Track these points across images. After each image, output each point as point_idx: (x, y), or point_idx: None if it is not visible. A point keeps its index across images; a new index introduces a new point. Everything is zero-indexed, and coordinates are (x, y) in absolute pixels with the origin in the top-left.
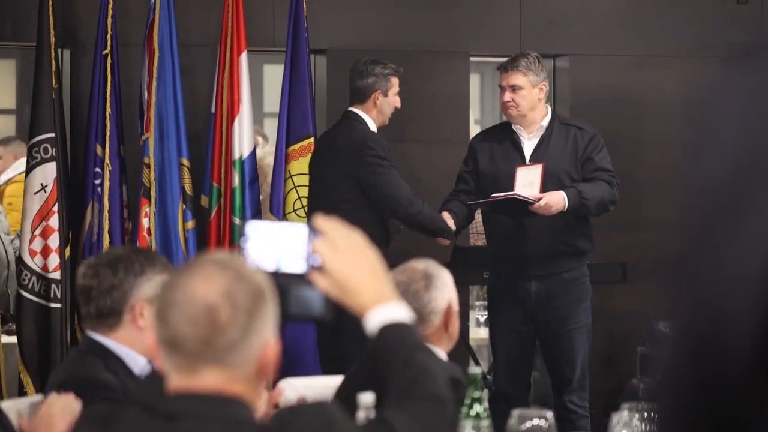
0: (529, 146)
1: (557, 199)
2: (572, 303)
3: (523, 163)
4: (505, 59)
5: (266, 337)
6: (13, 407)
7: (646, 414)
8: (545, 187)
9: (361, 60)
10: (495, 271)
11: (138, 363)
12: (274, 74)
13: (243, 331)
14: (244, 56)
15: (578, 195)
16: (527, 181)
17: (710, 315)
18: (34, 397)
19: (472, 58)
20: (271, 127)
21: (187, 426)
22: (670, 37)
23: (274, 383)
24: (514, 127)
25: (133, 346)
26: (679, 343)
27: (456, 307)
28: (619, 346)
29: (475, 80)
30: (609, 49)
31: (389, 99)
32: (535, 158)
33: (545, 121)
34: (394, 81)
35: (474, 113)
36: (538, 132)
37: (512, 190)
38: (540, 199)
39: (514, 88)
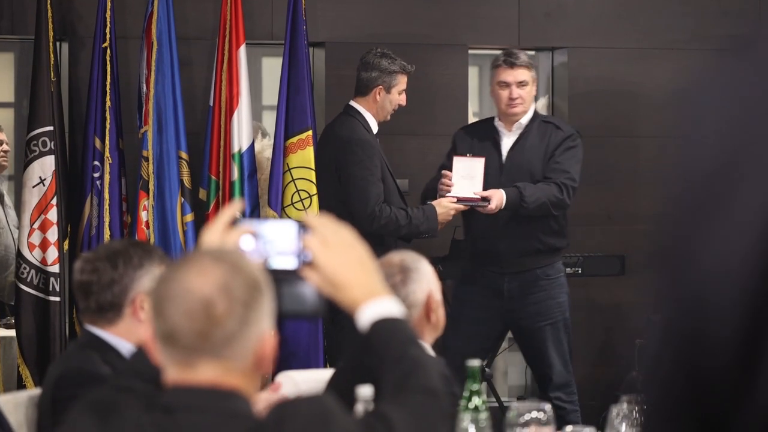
0: (507, 143)
1: (498, 198)
2: (545, 299)
3: (499, 159)
4: (502, 54)
5: (263, 329)
6: (12, 401)
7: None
8: (514, 184)
9: (372, 50)
10: (471, 265)
11: None
12: (272, 67)
13: (240, 323)
14: (242, 49)
15: (518, 196)
16: (466, 173)
17: (694, 307)
18: (32, 391)
19: (470, 51)
20: (269, 120)
21: (186, 418)
22: (667, 29)
23: (273, 375)
24: (495, 123)
25: (131, 340)
26: (664, 335)
27: (437, 296)
28: (618, 338)
29: (473, 73)
30: (606, 41)
31: (391, 96)
32: (512, 155)
33: (525, 119)
34: (401, 78)
35: (472, 106)
36: (517, 129)
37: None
38: (484, 198)
39: (521, 84)
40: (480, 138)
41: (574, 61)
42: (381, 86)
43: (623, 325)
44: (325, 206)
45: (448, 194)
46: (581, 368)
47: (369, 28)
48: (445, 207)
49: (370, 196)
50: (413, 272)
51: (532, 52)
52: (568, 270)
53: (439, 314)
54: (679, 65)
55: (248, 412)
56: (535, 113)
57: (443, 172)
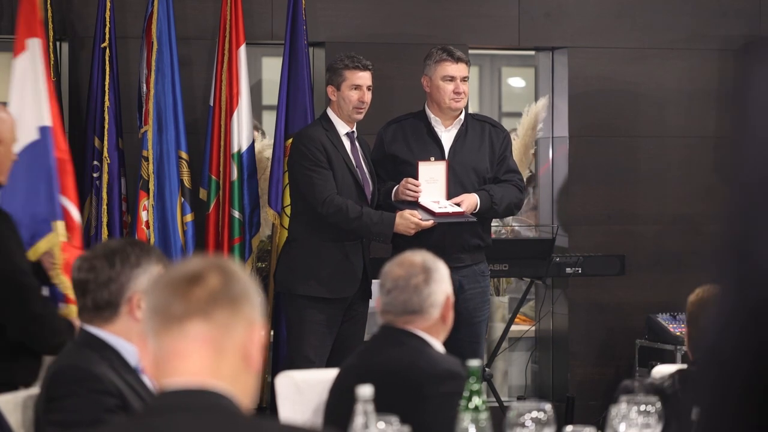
0: (447, 138)
1: (472, 203)
2: (480, 294)
3: (441, 154)
4: (442, 50)
5: (253, 316)
6: (12, 401)
7: (643, 407)
8: (460, 182)
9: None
10: None
11: (133, 354)
12: (272, 67)
13: (231, 294)
14: (242, 49)
15: (489, 200)
16: (429, 177)
17: (761, 292)
18: (32, 390)
19: (470, 51)
20: (269, 120)
21: (175, 419)
22: (667, 29)
23: (273, 375)
24: (431, 119)
25: (129, 338)
26: (729, 319)
27: (453, 298)
28: (618, 338)
29: (473, 72)
30: (606, 41)
31: (343, 93)
32: (454, 152)
33: (463, 115)
34: (348, 74)
35: (472, 106)
36: (456, 125)
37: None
38: (459, 204)
39: (464, 79)
40: (414, 133)
41: (574, 61)
42: (331, 86)
43: (623, 325)
44: (291, 198)
45: (421, 201)
46: (581, 368)
47: (369, 28)
48: (406, 219)
49: (315, 182)
50: (434, 272)
51: (532, 52)
52: (568, 270)
53: (452, 316)
54: (679, 65)
55: (238, 411)
56: (464, 109)
57: (407, 179)
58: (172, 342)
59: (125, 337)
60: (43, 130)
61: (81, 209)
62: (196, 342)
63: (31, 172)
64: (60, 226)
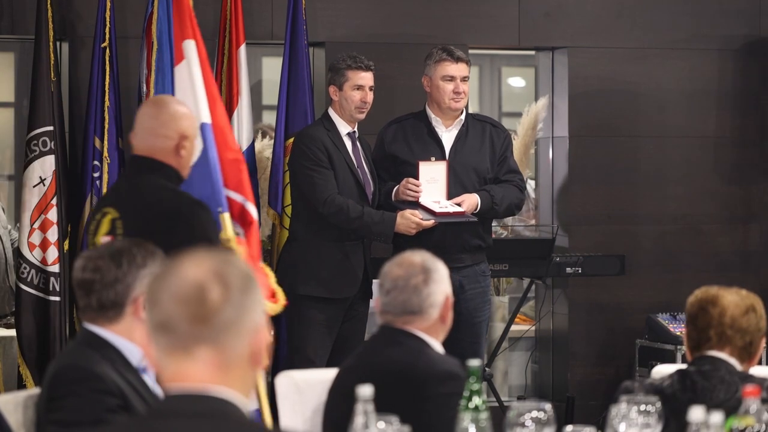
0: (447, 138)
1: (472, 203)
2: (480, 294)
3: (442, 154)
4: (442, 50)
5: (257, 320)
6: (12, 401)
7: (643, 407)
8: (460, 182)
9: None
10: None
11: (135, 355)
12: (272, 67)
13: (234, 308)
14: (242, 49)
15: (490, 200)
16: (430, 177)
17: None
18: (32, 391)
19: (470, 51)
20: (269, 120)
21: (176, 424)
22: (667, 29)
23: (273, 375)
24: (431, 119)
25: (131, 338)
26: None
27: (452, 298)
28: (618, 338)
29: (473, 72)
30: (606, 41)
31: (345, 93)
32: (454, 152)
33: (463, 115)
34: (351, 74)
35: (472, 106)
36: (456, 125)
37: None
38: (460, 204)
39: (464, 79)
40: (415, 133)
41: (574, 61)
42: (333, 85)
43: (623, 325)
44: (292, 198)
45: (422, 201)
46: (581, 368)
47: (369, 28)
48: (407, 219)
49: (316, 182)
50: (434, 272)
51: (532, 52)
52: (568, 270)
53: (451, 316)
54: (679, 65)
55: (242, 418)
56: (466, 110)
57: (407, 179)
58: (178, 364)
59: (128, 337)
60: (203, 127)
61: (82, 209)
62: (205, 365)
63: (199, 173)
64: (226, 218)
